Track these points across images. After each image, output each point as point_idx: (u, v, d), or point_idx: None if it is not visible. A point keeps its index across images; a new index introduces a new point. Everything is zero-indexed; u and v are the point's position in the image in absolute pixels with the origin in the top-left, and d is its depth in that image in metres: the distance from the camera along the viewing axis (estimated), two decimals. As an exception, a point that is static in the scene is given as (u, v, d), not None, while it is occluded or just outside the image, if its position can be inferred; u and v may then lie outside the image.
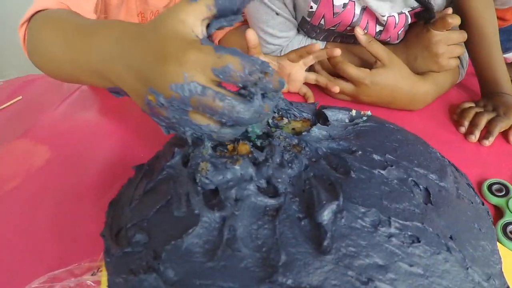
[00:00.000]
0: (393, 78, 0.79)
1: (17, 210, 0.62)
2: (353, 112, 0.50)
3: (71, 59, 0.50)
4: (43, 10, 0.65)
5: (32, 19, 0.65)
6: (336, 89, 0.81)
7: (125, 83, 0.42)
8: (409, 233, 0.35)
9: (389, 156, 0.42)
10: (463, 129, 0.79)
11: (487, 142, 0.76)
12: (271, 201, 0.36)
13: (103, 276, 0.49)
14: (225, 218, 0.35)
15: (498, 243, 0.55)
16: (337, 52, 0.77)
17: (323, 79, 0.83)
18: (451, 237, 0.38)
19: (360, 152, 0.41)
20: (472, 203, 0.46)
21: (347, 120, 0.48)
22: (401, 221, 0.35)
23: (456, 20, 0.77)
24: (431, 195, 0.40)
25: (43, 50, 0.58)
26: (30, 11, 0.66)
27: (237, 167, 0.38)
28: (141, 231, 0.38)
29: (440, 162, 0.47)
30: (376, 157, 0.41)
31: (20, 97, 0.97)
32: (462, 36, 0.81)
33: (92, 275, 0.50)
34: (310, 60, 0.82)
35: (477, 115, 0.79)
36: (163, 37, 0.38)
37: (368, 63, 0.83)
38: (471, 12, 0.84)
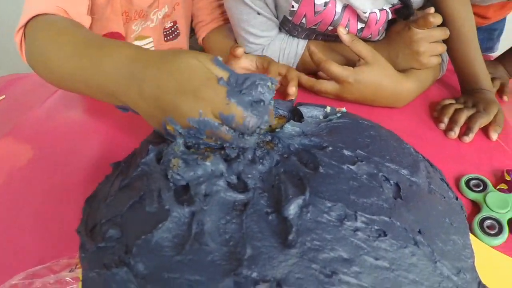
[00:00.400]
0: (376, 76, 0.80)
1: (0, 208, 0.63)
2: (328, 109, 0.51)
3: (79, 77, 0.53)
4: (40, 15, 0.66)
5: (30, 24, 0.66)
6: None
7: (139, 107, 0.47)
8: (376, 227, 0.36)
9: (360, 152, 0.43)
10: (442, 126, 0.79)
11: (467, 139, 0.76)
12: (240, 196, 0.37)
13: (81, 272, 0.50)
14: (194, 213, 0.36)
15: (475, 237, 0.57)
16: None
17: (305, 79, 0.83)
18: (419, 231, 0.39)
19: (330, 148, 0.42)
20: (445, 197, 0.47)
21: (321, 117, 0.49)
22: (368, 216, 0.36)
23: (437, 19, 0.78)
24: (401, 190, 0.42)
25: (46, 61, 0.60)
26: (26, 16, 0.67)
27: (207, 163, 0.39)
28: (115, 226, 0.39)
29: (413, 158, 0.49)
30: (346, 152, 0.42)
31: (3, 96, 0.97)
32: (444, 33, 0.82)
33: (70, 271, 0.51)
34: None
35: (456, 111, 0.80)
36: (183, 71, 0.43)
37: (351, 61, 0.83)
38: (448, 10, 0.85)
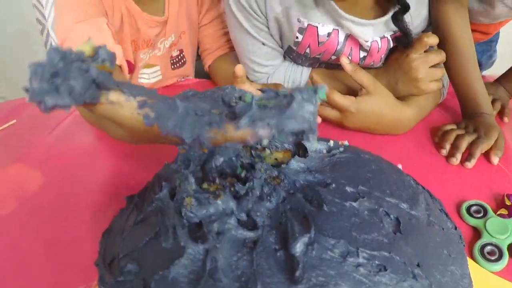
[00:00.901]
0: (378, 105, 0.83)
1: (12, 236, 0.66)
2: (331, 143, 0.54)
3: None
4: None
5: None
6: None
7: None
8: (377, 262, 0.40)
9: (362, 188, 0.46)
10: (444, 152, 0.82)
11: (469, 164, 0.79)
12: (250, 234, 0.41)
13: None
14: (208, 250, 0.39)
15: (476, 264, 0.60)
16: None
17: None
18: (418, 264, 0.42)
19: (334, 185, 0.45)
20: (443, 229, 0.50)
21: (325, 151, 0.53)
22: (368, 251, 0.40)
23: (432, 39, 0.83)
24: (401, 224, 0.45)
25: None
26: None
27: (219, 202, 0.42)
28: (132, 261, 0.43)
29: (413, 190, 0.52)
30: (349, 189, 0.46)
31: (14, 120, 1.01)
32: (440, 56, 0.86)
33: (87, 300, 0.55)
34: None
35: (458, 137, 0.83)
36: None
37: (353, 89, 0.88)
38: (450, 33, 0.89)
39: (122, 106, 0.38)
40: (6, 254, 0.63)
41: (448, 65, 0.91)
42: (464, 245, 0.53)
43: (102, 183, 0.77)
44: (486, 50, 1.34)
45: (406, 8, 0.84)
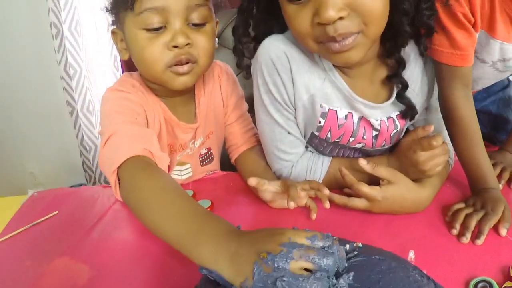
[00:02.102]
0: (400, 192, 0.99)
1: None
2: (347, 247, 0.68)
3: (177, 240, 0.72)
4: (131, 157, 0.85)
5: (122, 171, 0.84)
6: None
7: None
8: None
9: (372, 288, 0.60)
10: (455, 232, 0.94)
11: (479, 242, 0.90)
12: None
13: None
14: None
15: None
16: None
17: (338, 198, 1.01)
18: None
19: (349, 289, 0.59)
20: (445, 318, 0.63)
21: (342, 255, 0.67)
22: None
23: (439, 141, 0.97)
24: (405, 320, 0.58)
25: (144, 211, 0.78)
26: (118, 160, 0.85)
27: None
28: None
29: (418, 284, 0.65)
30: (362, 292, 0.59)
31: (56, 212, 1.13)
32: (443, 149, 1.00)
33: None
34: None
35: (467, 217, 0.94)
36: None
37: (372, 176, 1.01)
38: (458, 117, 1.04)
39: None
40: None
41: (456, 144, 1.06)
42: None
43: (145, 278, 0.88)
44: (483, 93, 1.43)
45: (406, 86, 1.02)
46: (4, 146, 2.46)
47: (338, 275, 0.62)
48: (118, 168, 0.85)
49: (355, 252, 0.67)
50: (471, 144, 1.03)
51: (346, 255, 0.67)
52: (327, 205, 0.98)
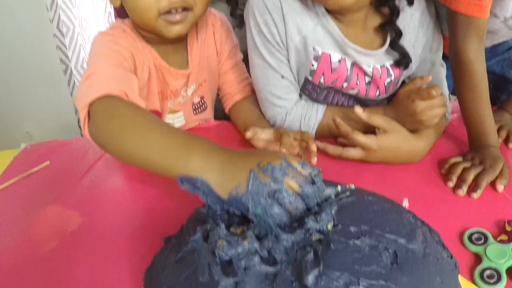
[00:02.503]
0: (396, 141, 0.98)
1: (56, 271, 0.77)
2: (339, 188, 0.66)
3: (160, 157, 0.67)
4: (105, 96, 0.79)
5: (98, 106, 0.78)
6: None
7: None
8: (375, 290, 0.51)
9: (364, 227, 0.58)
10: (451, 184, 0.92)
11: (475, 195, 0.89)
12: (271, 269, 0.53)
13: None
14: (237, 283, 0.52)
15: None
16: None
17: (332, 149, 1.00)
18: (412, 291, 0.54)
19: (339, 226, 0.58)
20: (438, 259, 0.61)
21: (333, 196, 0.65)
22: (368, 281, 0.51)
23: (438, 91, 0.95)
24: (398, 257, 0.56)
25: (119, 144, 0.72)
26: (91, 96, 0.78)
27: (245, 243, 0.55)
28: (174, 294, 0.55)
29: (411, 226, 0.63)
30: (352, 229, 0.57)
31: (48, 162, 1.13)
32: (442, 100, 0.98)
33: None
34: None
35: (465, 170, 0.93)
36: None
37: (367, 126, 1.00)
38: (470, 70, 1.01)
39: None
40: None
41: (463, 98, 1.04)
42: (458, 272, 0.64)
43: (137, 223, 0.88)
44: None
45: (399, 34, 1.02)
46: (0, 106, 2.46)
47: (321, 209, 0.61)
48: (91, 104, 0.79)
49: (347, 193, 0.65)
50: (479, 100, 1.01)
51: (338, 195, 0.65)
52: (314, 160, 0.96)
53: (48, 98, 2.41)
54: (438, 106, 0.98)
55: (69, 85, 2.07)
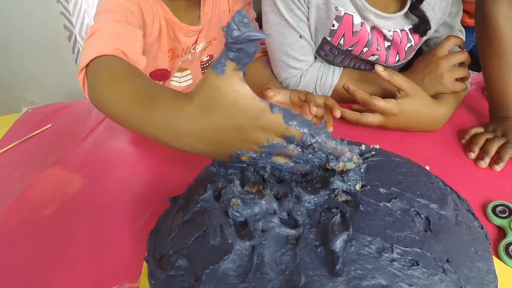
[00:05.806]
0: (417, 105, 0.89)
1: (56, 234, 0.72)
2: (363, 147, 0.59)
3: (135, 125, 0.59)
4: (101, 56, 0.74)
5: (91, 65, 0.73)
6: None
7: (201, 151, 0.54)
8: (409, 258, 0.44)
9: (394, 189, 0.51)
10: (472, 155, 0.85)
11: (498, 168, 0.82)
12: (292, 232, 0.46)
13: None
14: (254, 246, 0.44)
15: (500, 262, 0.64)
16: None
17: (350, 114, 0.92)
18: (447, 260, 0.47)
19: (368, 187, 0.50)
20: (470, 228, 0.55)
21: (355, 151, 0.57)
22: (402, 248, 0.44)
23: (458, 40, 0.90)
24: (431, 223, 0.49)
25: (104, 105, 0.67)
26: (88, 56, 0.74)
27: (263, 202, 0.47)
28: (182, 257, 0.48)
29: (442, 192, 0.56)
30: (382, 190, 0.50)
31: (50, 125, 1.07)
32: (464, 56, 0.93)
33: (133, 295, 0.60)
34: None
35: (488, 141, 0.86)
36: (238, 112, 0.50)
37: (385, 90, 0.94)
38: (497, 36, 0.92)
39: None
40: (51, 253, 0.68)
41: (487, 66, 0.95)
42: (489, 244, 0.57)
43: (140, 185, 0.82)
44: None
45: None
46: (4, 76, 2.37)
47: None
48: (87, 67, 0.75)
49: (373, 153, 0.58)
50: (506, 68, 0.92)
51: (362, 155, 0.58)
52: (330, 129, 0.87)
53: (52, 66, 2.32)
54: (457, 61, 0.93)
55: (73, 52, 1.99)
